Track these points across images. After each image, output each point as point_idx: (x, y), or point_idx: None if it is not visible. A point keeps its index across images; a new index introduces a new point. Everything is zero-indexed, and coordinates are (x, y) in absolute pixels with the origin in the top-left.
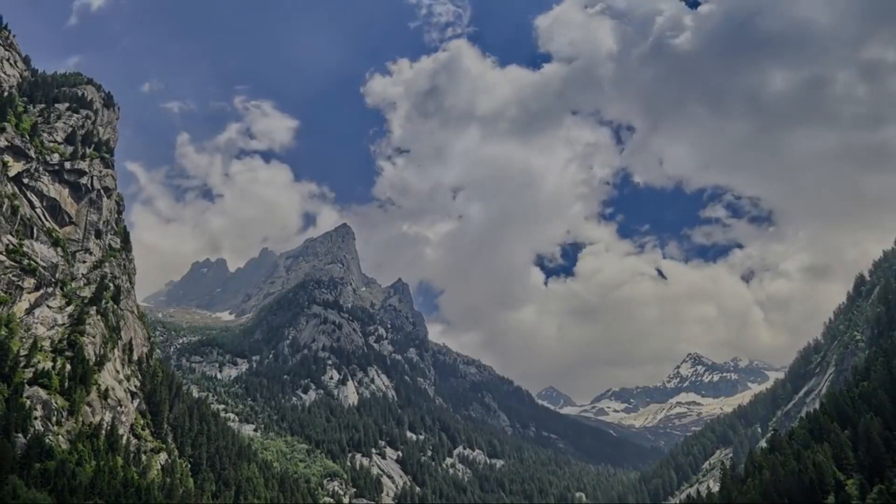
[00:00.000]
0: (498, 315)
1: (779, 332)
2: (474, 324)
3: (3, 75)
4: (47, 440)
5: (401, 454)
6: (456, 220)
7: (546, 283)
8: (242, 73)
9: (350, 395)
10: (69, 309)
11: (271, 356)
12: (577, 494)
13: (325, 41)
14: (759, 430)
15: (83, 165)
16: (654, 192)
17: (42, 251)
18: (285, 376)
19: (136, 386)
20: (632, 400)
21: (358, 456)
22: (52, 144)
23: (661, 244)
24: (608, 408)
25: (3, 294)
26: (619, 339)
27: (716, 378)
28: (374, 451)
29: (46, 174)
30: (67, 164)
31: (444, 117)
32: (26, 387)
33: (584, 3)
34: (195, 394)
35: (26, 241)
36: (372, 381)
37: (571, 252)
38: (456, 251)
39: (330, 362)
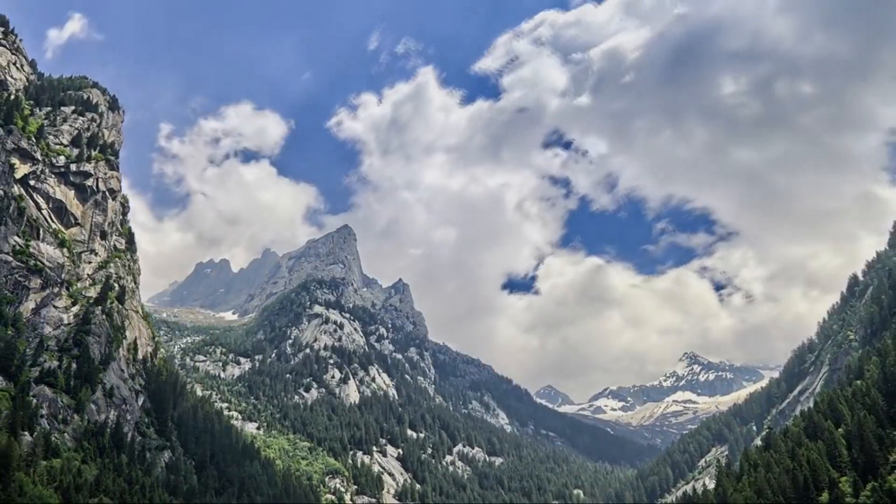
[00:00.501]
0: (468, 329)
1: (744, 339)
2: (445, 339)
3: (10, 79)
4: (53, 438)
5: (401, 452)
6: (426, 243)
7: (514, 301)
8: (215, 91)
9: (351, 393)
10: (75, 309)
11: (274, 355)
12: (575, 492)
13: (296, 75)
14: (755, 428)
15: (89, 167)
16: (616, 211)
17: (48, 252)
18: (287, 375)
19: (140, 385)
20: (629, 398)
21: (359, 454)
22: (58, 147)
23: (624, 259)
24: (605, 406)
25: (9, 294)
26: (585, 348)
27: (711, 377)
28: (375, 448)
29: (52, 176)
30: (73, 167)
31: (411, 149)
32: (33, 385)
33: (530, 36)
34: (199, 392)
35: (33, 242)
36: (373, 379)
37: (537, 269)
38: (426, 272)
39: (332, 361)
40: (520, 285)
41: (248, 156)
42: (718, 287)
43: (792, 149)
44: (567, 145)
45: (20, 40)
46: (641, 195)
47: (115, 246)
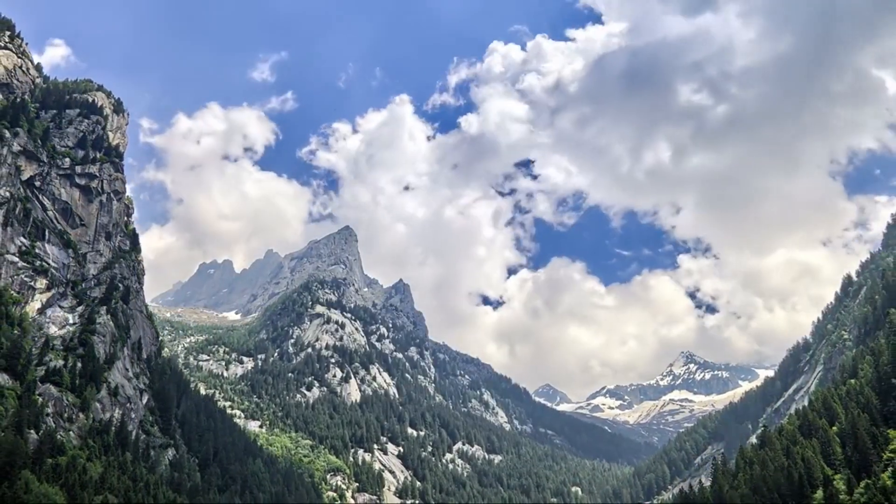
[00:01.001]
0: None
1: (709, 345)
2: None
3: (16, 82)
4: (59, 436)
5: (402, 450)
6: (402, 261)
7: (487, 312)
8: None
9: (353, 392)
10: (80, 309)
11: (276, 355)
12: (574, 489)
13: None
14: (750, 426)
15: (94, 169)
16: (581, 228)
17: (54, 253)
18: (290, 374)
19: (144, 383)
20: (626, 397)
21: (360, 451)
22: (63, 149)
23: (593, 272)
24: (603, 405)
25: (16, 294)
26: (557, 356)
27: (707, 376)
28: (375, 446)
29: (58, 178)
30: (78, 169)
31: (385, 174)
32: (38, 384)
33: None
34: (202, 391)
35: (38, 243)
36: (374, 378)
37: (508, 283)
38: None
39: (333, 361)
40: (491, 299)
41: (233, 158)
42: (686, 295)
43: (752, 157)
44: (533, 169)
45: (26, 44)
46: (606, 211)
47: (119, 247)
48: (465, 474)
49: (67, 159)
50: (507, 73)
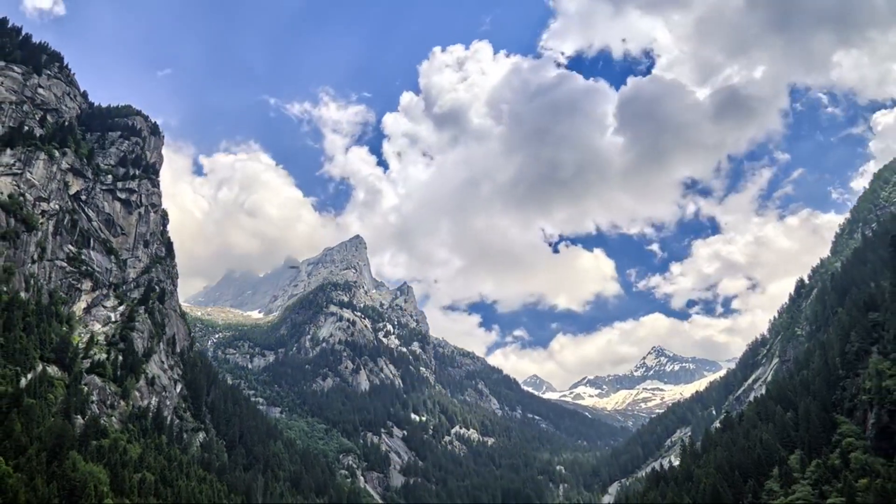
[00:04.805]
0: None
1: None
2: None
3: (64, 107)
4: (102, 421)
5: (406, 433)
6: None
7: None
8: None
9: (362, 382)
10: (121, 308)
11: (295, 349)
12: (558, 468)
13: None
14: (714, 412)
15: (133, 185)
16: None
17: (98, 258)
18: (307, 366)
19: (178, 374)
20: (604, 386)
21: (369, 434)
22: (106, 167)
23: None
24: (584, 393)
25: (64, 295)
26: None
27: (676, 368)
28: (382, 430)
29: (102, 192)
30: (119, 184)
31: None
32: (84, 375)
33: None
34: (229, 381)
35: (84, 250)
36: (381, 370)
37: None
38: None
39: (345, 354)
40: None
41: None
42: None
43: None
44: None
45: (73, 74)
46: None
47: (156, 253)
48: (462, 455)
49: (110, 176)
50: None
